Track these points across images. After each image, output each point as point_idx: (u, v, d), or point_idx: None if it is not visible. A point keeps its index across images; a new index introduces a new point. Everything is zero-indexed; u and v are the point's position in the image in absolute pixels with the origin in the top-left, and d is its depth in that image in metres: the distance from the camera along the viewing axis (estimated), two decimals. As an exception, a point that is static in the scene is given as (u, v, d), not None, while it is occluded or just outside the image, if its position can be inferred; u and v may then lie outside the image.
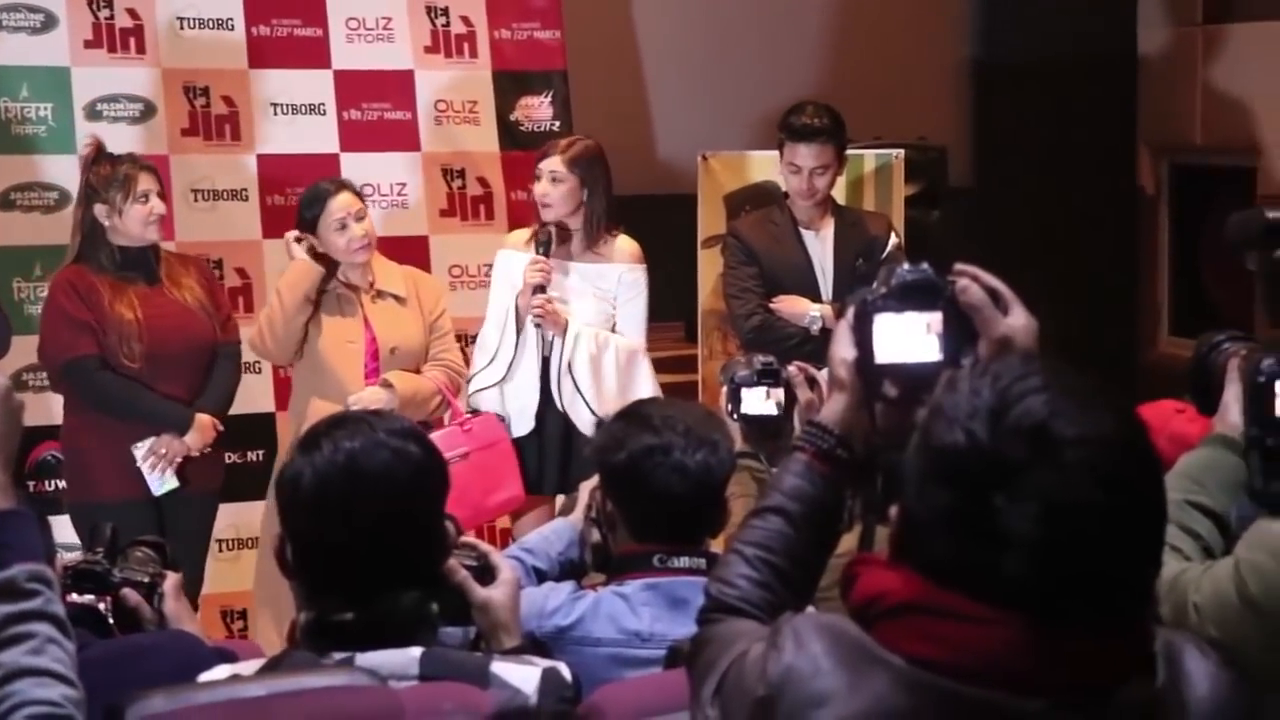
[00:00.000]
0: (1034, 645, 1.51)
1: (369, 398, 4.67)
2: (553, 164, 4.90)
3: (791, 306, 5.09)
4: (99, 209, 4.70)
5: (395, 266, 4.98)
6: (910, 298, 1.84)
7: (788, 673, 1.61)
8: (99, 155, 4.79)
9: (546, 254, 4.87)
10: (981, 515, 1.50)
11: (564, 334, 4.85)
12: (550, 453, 4.93)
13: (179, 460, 4.73)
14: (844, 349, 1.87)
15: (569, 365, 4.85)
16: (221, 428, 4.82)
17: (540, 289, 4.83)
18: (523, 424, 4.93)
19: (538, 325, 4.86)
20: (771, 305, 5.10)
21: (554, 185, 4.89)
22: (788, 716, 1.60)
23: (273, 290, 4.91)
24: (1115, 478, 1.50)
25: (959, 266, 1.90)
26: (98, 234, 4.71)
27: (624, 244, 5.03)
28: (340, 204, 4.78)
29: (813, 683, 1.59)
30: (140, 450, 4.69)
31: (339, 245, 4.77)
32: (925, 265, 1.85)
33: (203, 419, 4.75)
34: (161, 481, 4.72)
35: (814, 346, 4.85)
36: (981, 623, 1.52)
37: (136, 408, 4.69)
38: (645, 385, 4.94)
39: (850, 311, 1.86)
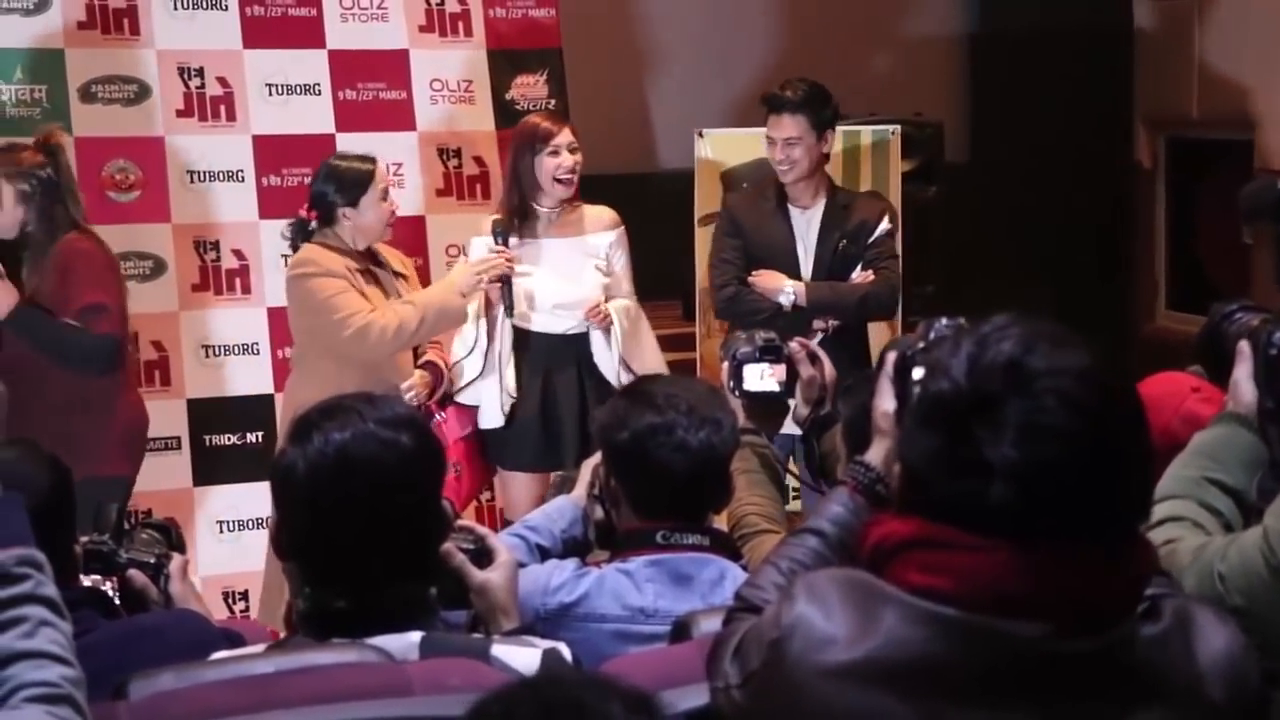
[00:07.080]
0: (1022, 569, 1.62)
1: (418, 381, 4.79)
2: (567, 136, 4.92)
3: (768, 281, 5.16)
4: None
5: (385, 247, 4.97)
6: None
7: (799, 617, 1.71)
8: None
9: (506, 244, 4.85)
10: (966, 448, 1.63)
11: (607, 331, 4.90)
12: (570, 425, 4.92)
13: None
14: (885, 400, 2.01)
15: (621, 356, 4.89)
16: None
17: (505, 280, 4.79)
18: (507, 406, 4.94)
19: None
20: (750, 279, 5.17)
21: (575, 156, 4.91)
22: (798, 656, 1.70)
23: (323, 279, 4.66)
24: (1083, 405, 1.63)
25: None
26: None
27: (598, 211, 5.05)
28: (383, 174, 4.83)
29: (824, 626, 1.69)
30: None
31: (382, 217, 4.76)
32: (962, 320, 1.94)
33: None
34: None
35: (785, 322, 4.89)
36: (974, 550, 1.64)
37: None
38: (650, 340, 5.05)
39: (890, 363, 1.98)
